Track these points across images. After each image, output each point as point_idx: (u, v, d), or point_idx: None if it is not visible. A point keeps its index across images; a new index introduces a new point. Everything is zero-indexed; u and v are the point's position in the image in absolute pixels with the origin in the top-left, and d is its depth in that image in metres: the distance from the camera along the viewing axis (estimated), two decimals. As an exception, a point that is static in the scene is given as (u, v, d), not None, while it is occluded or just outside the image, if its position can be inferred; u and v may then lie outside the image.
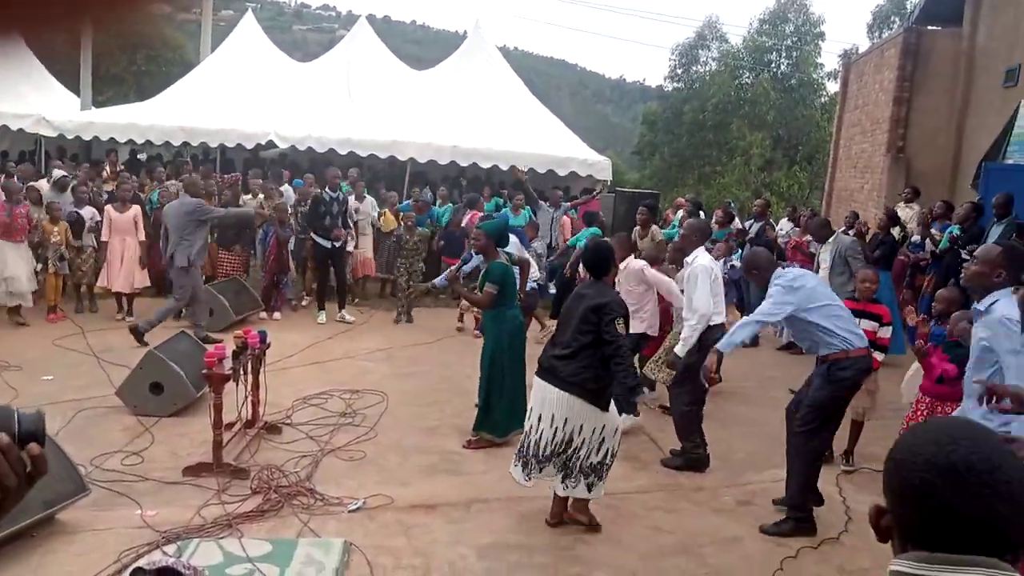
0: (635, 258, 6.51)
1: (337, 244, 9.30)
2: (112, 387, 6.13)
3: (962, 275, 3.85)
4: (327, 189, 9.32)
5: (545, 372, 4.39)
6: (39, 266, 8.48)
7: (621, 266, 5.99)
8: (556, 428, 4.32)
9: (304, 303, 10.01)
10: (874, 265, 7.58)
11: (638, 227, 9.00)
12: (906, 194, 11.19)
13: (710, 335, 5.34)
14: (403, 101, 14.58)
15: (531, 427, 4.43)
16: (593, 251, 4.75)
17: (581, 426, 4.32)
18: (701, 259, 5.50)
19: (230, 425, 5.25)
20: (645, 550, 4.33)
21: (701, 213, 10.81)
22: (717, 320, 5.45)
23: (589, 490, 4.39)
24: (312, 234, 9.32)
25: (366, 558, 3.98)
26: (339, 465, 5.22)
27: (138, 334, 7.73)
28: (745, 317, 4.77)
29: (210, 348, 5.15)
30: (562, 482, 4.42)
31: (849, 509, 4.96)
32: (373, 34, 16.80)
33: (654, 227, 9.05)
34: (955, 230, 8.64)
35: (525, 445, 4.47)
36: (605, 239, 6.15)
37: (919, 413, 5.15)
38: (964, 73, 12.43)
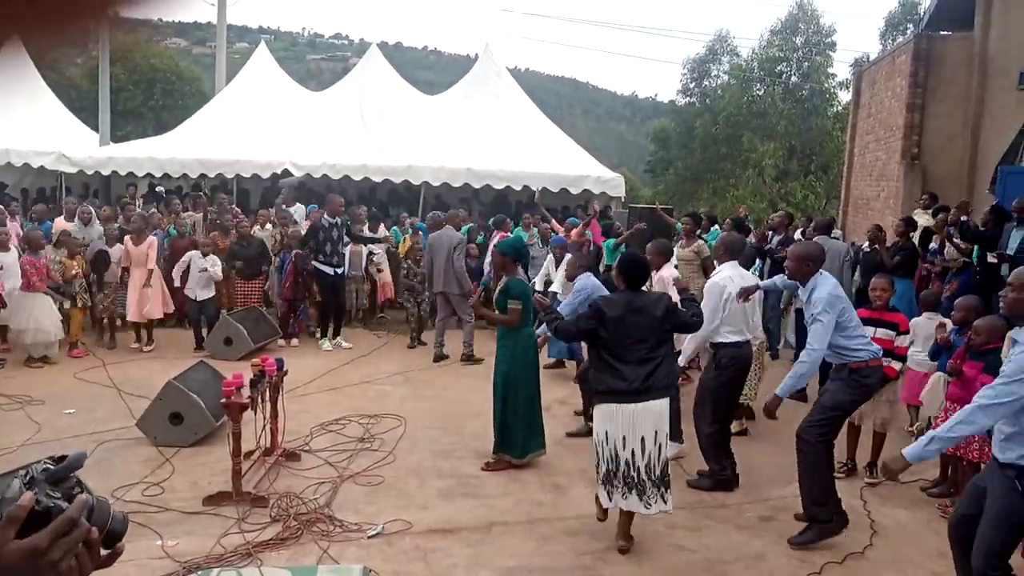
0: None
1: (339, 271, 9.33)
2: (133, 419, 6.17)
3: (1000, 305, 3.72)
4: (326, 215, 9.34)
5: (641, 394, 4.25)
6: (67, 303, 8.55)
7: (655, 275, 5.94)
8: (660, 444, 4.28)
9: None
10: (891, 273, 7.48)
11: (682, 239, 8.64)
12: (923, 200, 11.10)
13: (726, 352, 5.30)
14: (416, 126, 14.70)
15: (633, 451, 4.25)
16: (632, 262, 4.63)
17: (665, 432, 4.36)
18: (718, 275, 5.40)
19: (249, 453, 5.27)
20: (669, 569, 4.28)
21: (717, 226, 10.76)
22: (733, 338, 5.34)
23: (665, 501, 4.33)
24: (314, 261, 9.27)
25: (386, 584, 3.97)
26: (358, 491, 5.22)
27: (471, 360, 8.82)
28: (803, 354, 4.54)
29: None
30: (641, 499, 4.30)
31: (874, 523, 4.88)
32: (385, 61, 17.00)
33: (700, 242, 8.44)
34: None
35: (632, 472, 4.27)
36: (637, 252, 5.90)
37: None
38: (977, 77, 12.35)
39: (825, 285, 4.54)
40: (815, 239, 8.41)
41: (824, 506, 4.54)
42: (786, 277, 5.05)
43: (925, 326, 6.17)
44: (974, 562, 3.39)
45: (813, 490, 4.54)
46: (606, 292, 6.61)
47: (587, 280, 6.59)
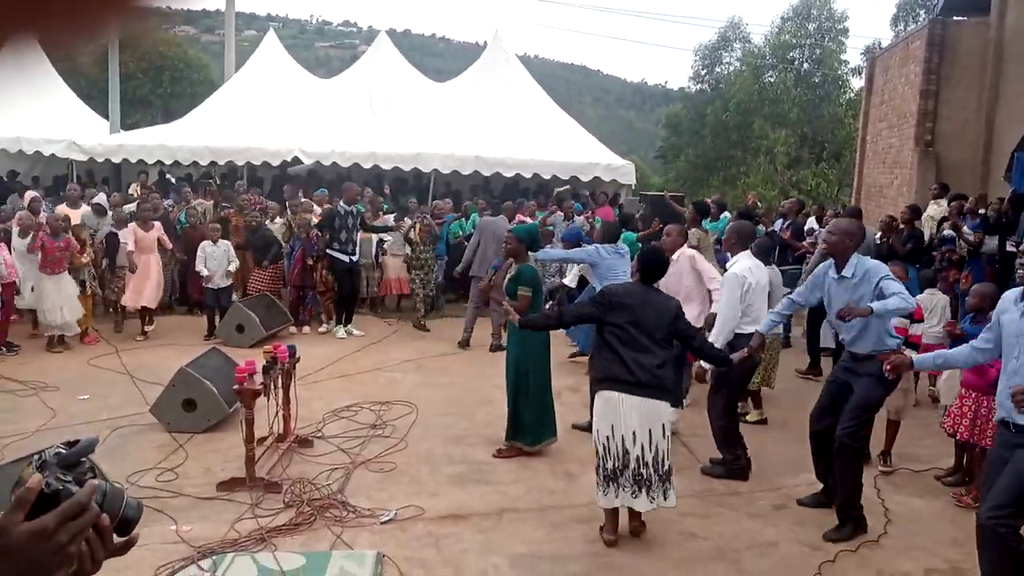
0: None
1: (353, 259, 9.33)
2: (146, 405, 6.21)
3: (1018, 276, 3.73)
4: (342, 203, 9.33)
5: (650, 389, 4.22)
6: (77, 290, 8.59)
7: (674, 256, 5.93)
8: (657, 443, 4.26)
9: (324, 328, 9.68)
10: (904, 261, 7.43)
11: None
12: (934, 190, 11.00)
13: (743, 343, 5.24)
14: (425, 113, 14.68)
15: (643, 447, 4.22)
16: (652, 256, 4.60)
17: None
18: (736, 266, 5.35)
19: (262, 440, 5.29)
20: (680, 557, 4.28)
21: (726, 213, 10.70)
22: (750, 328, 5.23)
23: (665, 497, 4.33)
24: (328, 249, 9.23)
25: (399, 569, 3.99)
26: (370, 477, 5.23)
27: (500, 349, 8.07)
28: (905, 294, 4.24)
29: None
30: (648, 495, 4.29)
31: (888, 511, 4.86)
32: (394, 48, 16.96)
33: (696, 229, 8.57)
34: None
35: (638, 469, 4.24)
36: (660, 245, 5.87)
37: (964, 408, 5.06)
38: (993, 63, 12.21)
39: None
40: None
41: (860, 506, 4.56)
42: (796, 282, 5.14)
43: (927, 301, 6.53)
44: (980, 512, 3.52)
45: (856, 491, 4.52)
46: (606, 257, 6.66)
47: (595, 247, 6.64)
